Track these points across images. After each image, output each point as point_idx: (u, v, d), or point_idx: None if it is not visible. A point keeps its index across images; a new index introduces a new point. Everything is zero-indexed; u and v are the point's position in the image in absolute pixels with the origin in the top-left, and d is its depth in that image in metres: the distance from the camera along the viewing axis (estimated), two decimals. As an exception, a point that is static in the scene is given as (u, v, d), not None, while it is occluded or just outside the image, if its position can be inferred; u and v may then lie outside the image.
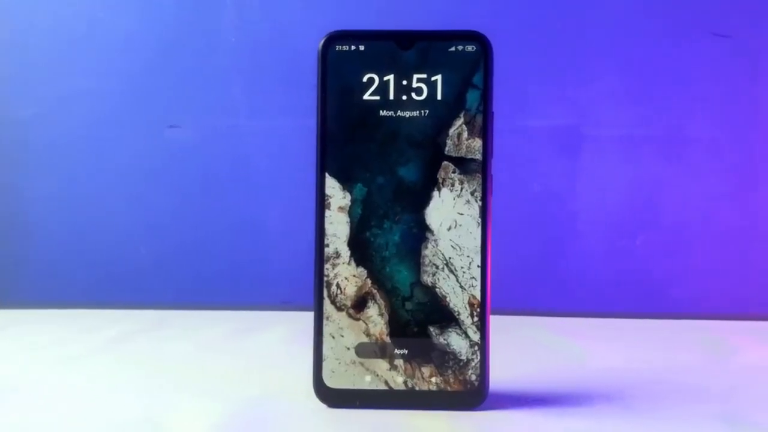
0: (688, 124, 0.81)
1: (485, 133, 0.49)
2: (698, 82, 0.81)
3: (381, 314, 0.50)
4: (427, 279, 0.50)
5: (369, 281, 0.50)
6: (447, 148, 0.49)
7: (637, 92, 0.81)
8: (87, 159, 0.84)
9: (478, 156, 0.49)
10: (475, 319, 0.50)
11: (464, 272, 0.50)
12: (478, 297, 0.50)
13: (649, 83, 0.81)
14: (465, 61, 0.49)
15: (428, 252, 0.50)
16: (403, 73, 0.49)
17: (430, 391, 0.50)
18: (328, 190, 0.50)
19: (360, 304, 0.50)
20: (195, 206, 0.84)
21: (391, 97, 0.49)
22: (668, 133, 0.81)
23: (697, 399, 0.53)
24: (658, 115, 0.81)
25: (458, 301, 0.50)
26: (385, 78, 0.49)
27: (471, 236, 0.50)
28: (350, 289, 0.50)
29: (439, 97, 0.49)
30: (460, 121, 0.49)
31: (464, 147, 0.49)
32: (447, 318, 0.50)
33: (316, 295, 0.50)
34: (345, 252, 0.50)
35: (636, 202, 0.82)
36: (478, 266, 0.50)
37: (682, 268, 0.82)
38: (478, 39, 0.49)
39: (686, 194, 0.81)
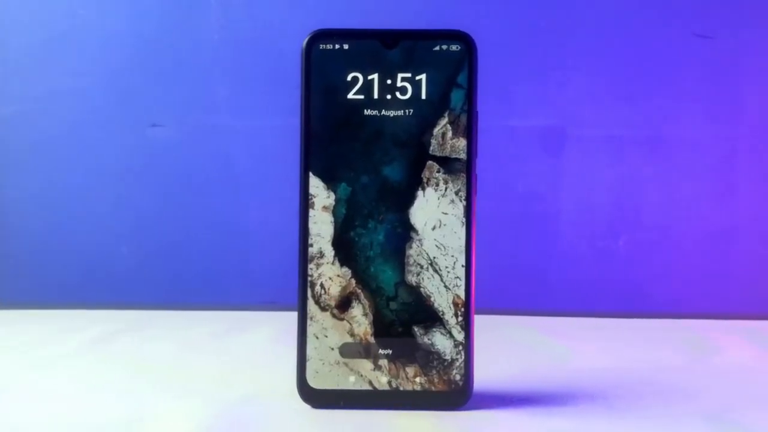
0: (671, 125, 0.81)
1: (470, 133, 0.49)
2: (681, 83, 0.81)
3: (365, 314, 0.50)
4: (412, 279, 0.50)
5: (353, 281, 0.50)
6: (431, 148, 0.49)
7: (621, 92, 0.81)
8: (68, 157, 0.84)
9: (463, 155, 0.49)
10: (460, 318, 0.50)
11: (449, 272, 0.50)
12: (463, 297, 0.50)
13: (633, 84, 0.81)
14: (449, 61, 0.49)
15: (413, 252, 0.50)
16: (388, 72, 0.49)
17: (414, 391, 0.49)
18: (312, 190, 0.49)
19: (344, 304, 0.50)
20: (178, 205, 0.84)
21: (376, 96, 0.49)
22: (651, 134, 0.81)
23: (681, 398, 0.53)
24: (642, 116, 0.81)
25: (443, 301, 0.50)
26: (370, 77, 0.49)
27: (455, 236, 0.49)
28: (334, 289, 0.50)
29: (423, 97, 0.49)
30: (444, 121, 0.49)
31: (449, 146, 0.49)
32: (431, 318, 0.50)
33: (299, 295, 0.50)
34: (329, 252, 0.50)
35: (619, 202, 0.82)
36: (462, 266, 0.50)
37: (666, 267, 0.82)
38: (463, 38, 0.49)
39: (669, 194, 0.82)
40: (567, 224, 0.82)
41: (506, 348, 0.68)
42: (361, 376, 0.49)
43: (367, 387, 0.49)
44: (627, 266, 0.82)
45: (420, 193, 0.49)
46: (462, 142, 0.49)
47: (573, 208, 0.82)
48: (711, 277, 0.82)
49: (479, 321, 0.50)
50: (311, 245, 0.50)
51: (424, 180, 0.49)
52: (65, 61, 0.83)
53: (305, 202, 0.49)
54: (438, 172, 0.49)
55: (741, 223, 0.82)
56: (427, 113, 0.49)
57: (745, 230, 0.82)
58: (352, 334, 0.50)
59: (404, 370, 0.49)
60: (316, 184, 0.49)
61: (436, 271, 0.50)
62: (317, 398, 0.49)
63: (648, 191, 0.82)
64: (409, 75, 0.49)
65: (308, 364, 0.49)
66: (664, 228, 0.82)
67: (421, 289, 0.50)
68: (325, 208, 0.49)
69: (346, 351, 0.49)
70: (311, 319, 0.50)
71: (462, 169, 0.49)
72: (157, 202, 0.84)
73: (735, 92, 0.81)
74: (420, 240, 0.50)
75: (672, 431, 0.47)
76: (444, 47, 0.49)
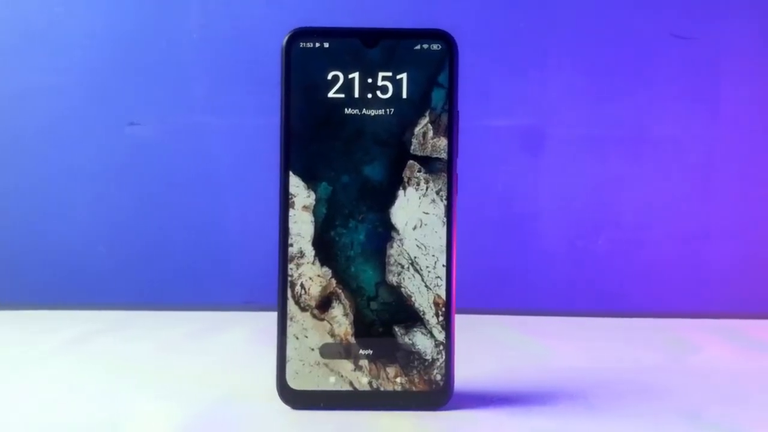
0: (649, 125, 0.81)
1: (450, 132, 0.49)
2: (661, 83, 0.81)
3: (346, 314, 0.49)
4: (393, 278, 0.49)
5: (334, 281, 0.49)
6: (412, 147, 0.49)
7: (601, 92, 0.81)
8: (45, 155, 0.83)
9: (444, 155, 0.49)
10: (441, 318, 0.50)
11: (429, 272, 0.49)
12: (444, 296, 0.49)
13: (613, 84, 0.81)
14: (430, 60, 0.49)
15: (393, 251, 0.49)
16: (369, 71, 0.49)
17: (395, 392, 0.49)
18: (292, 189, 0.49)
19: (324, 304, 0.49)
20: (156, 205, 0.83)
21: (356, 95, 0.49)
22: (630, 133, 0.81)
23: (660, 397, 0.54)
24: (621, 116, 0.81)
25: (423, 301, 0.50)
26: (350, 76, 0.49)
27: (436, 235, 0.49)
28: (314, 289, 0.49)
29: (404, 96, 0.49)
30: (425, 120, 0.49)
31: (429, 146, 0.49)
32: (412, 318, 0.50)
33: (279, 295, 0.49)
34: (309, 251, 0.49)
35: (599, 201, 0.82)
36: (443, 265, 0.49)
37: (645, 267, 0.82)
38: (444, 37, 0.49)
39: (648, 194, 0.82)
40: (547, 224, 0.82)
41: (487, 348, 0.68)
42: (342, 376, 0.49)
43: (347, 387, 0.49)
44: (606, 266, 0.82)
45: (401, 192, 0.49)
46: (443, 142, 0.49)
47: (553, 207, 0.82)
48: (690, 276, 0.82)
49: (460, 321, 0.50)
50: (291, 245, 0.49)
51: (405, 179, 0.49)
52: (42, 58, 0.82)
53: (285, 201, 0.49)
54: (419, 171, 0.49)
55: (720, 223, 0.82)
56: (408, 112, 0.49)
57: (724, 230, 0.82)
58: (333, 335, 0.49)
59: (385, 370, 0.49)
60: (296, 184, 0.49)
61: (416, 270, 0.49)
62: (297, 399, 0.49)
63: (627, 191, 0.82)
64: (389, 74, 0.49)
65: (288, 365, 0.49)
66: (643, 228, 0.82)
67: (402, 289, 0.49)
68: (305, 207, 0.49)
69: (326, 351, 0.49)
70: (291, 319, 0.49)
71: (443, 168, 0.49)
72: (135, 202, 0.83)
73: (713, 93, 0.81)
74: (401, 240, 0.49)
75: (651, 430, 0.48)
76: (425, 46, 0.49)
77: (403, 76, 0.49)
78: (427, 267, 0.49)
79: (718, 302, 0.82)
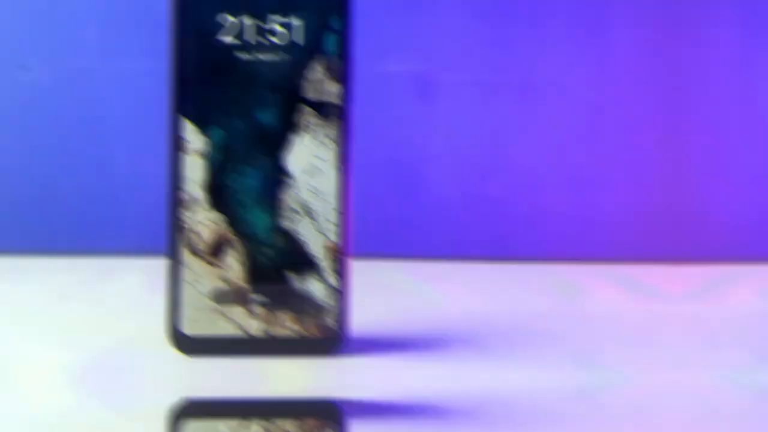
0: (540, 70, 0.82)
1: (344, 78, 0.49)
2: (549, 27, 0.82)
3: (239, 260, 0.49)
4: (286, 224, 0.49)
5: (226, 227, 0.49)
6: (306, 92, 0.49)
7: (492, 37, 0.81)
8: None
9: (337, 101, 0.49)
10: (334, 264, 0.50)
11: (323, 217, 0.49)
12: (337, 242, 0.50)
13: (504, 28, 0.81)
14: (323, 4, 0.48)
15: (287, 197, 0.49)
16: (260, 15, 0.48)
17: (288, 338, 0.49)
18: (183, 134, 0.48)
19: (217, 249, 0.49)
20: (44, 150, 0.81)
21: (248, 39, 0.48)
22: (520, 78, 0.82)
23: (551, 342, 0.55)
24: (512, 60, 0.82)
25: (317, 247, 0.49)
26: (242, 19, 0.48)
27: (330, 181, 0.49)
28: (207, 235, 0.49)
29: (297, 40, 0.48)
30: (318, 65, 0.49)
31: (323, 91, 0.49)
32: (306, 263, 0.49)
33: (171, 241, 0.49)
34: (201, 197, 0.49)
35: (490, 146, 0.83)
36: (337, 211, 0.49)
37: (535, 213, 0.83)
38: (337, -20, 0.49)
39: (537, 139, 0.83)
40: (439, 169, 0.82)
41: (380, 294, 0.68)
42: (235, 323, 0.49)
43: (240, 334, 0.49)
44: (498, 211, 0.83)
45: (294, 138, 0.49)
46: (337, 87, 0.49)
47: (445, 153, 0.82)
48: (581, 222, 0.84)
49: (353, 266, 0.50)
50: (183, 190, 0.49)
51: (299, 125, 0.49)
52: None
53: (176, 146, 0.48)
54: (313, 117, 0.49)
55: (607, 167, 0.83)
56: (301, 57, 0.49)
57: (614, 176, 0.83)
58: (225, 280, 0.49)
59: (278, 316, 0.49)
60: (188, 129, 0.48)
61: (310, 216, 0.49)
62: (190, 346, 0.49)
63: (519, 136, 0.83)
64: (282, 18, 0.48)
65: (180, 311, 0.49)
66: (534, 173, 0.83)
67: (296, 235, 0.49)
68: (197, 152, 0.49)
69: (219, 297, 0.49)
70: (183, 265, 0.49)
71: (337, 114, 0.49)
72: (21, 147, 0.81)
73: (602, 38, 0.82)
74: (294, 185, 0.49)
75: (545, 374, 0.49)
76: (318, -10, 0.49)
77: (296, 19, 0.48)
78: (321, 213, 0.49)
79: (609, 247, 0.83)
